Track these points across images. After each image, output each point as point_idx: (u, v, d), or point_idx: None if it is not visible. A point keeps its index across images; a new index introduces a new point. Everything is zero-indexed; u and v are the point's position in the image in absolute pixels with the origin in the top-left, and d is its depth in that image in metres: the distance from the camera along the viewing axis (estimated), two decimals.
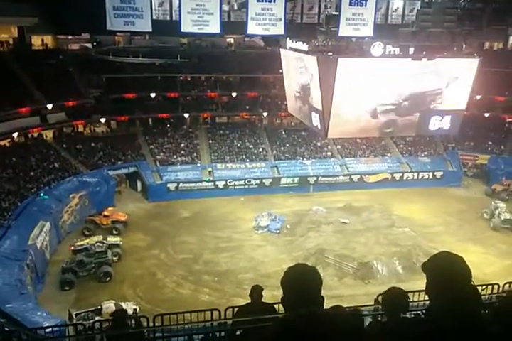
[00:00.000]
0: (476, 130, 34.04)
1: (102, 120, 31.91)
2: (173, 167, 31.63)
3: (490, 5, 31.91)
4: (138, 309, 16.25)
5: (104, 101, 31.66)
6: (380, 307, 3.93)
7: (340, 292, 18.93)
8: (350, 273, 20.82)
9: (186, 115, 34.74)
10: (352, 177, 32.47)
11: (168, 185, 30.05)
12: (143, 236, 24.28)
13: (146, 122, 35.10)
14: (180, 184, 30.30)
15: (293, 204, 28.85)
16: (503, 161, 33.02)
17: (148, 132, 34.24)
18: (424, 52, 18.20)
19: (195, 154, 33.19)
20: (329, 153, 34.54)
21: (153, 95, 33.09)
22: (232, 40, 37.50)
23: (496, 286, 8.65)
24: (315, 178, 32.07)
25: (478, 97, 31.05)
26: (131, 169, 30.89)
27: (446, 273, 2.10)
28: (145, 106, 33.40)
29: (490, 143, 34.91)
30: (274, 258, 22.15)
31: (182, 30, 33.69)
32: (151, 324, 8.57)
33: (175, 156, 32.60)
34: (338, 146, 34.80)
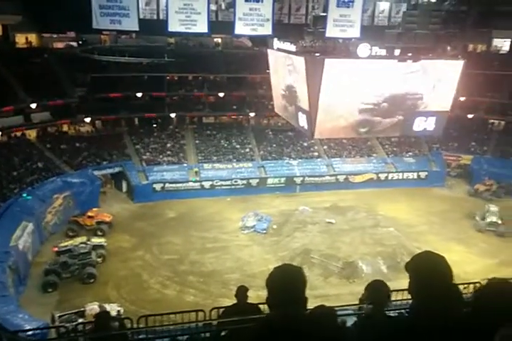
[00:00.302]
0: (460, 131, 34.52)
1: (87, 120, 31.53)
2: (159, 167, 31.42)
3: (474, 8, 32.50)
4: (122, 310, 16.10)
5: (90, 101, 31.30)
6: (363, 295, 3.99)
7: (326, 291, 19.02)
8: (335, 272, 20.95)
9: (173, 115, 34.54)
10: (338, 177, 32.67)
11: (154, 186, 29.84)
12: (128, 237, 24.07)
13: (132, 122, 34.82)
14: (167, 184, 30.11)
15: (279, 205, 28.91)
16: (485, 161, 33.55)
17: (134, 132, 33.97)
18: (410, 54, 18.39)
19: (181, 154, 33.02)
20: (316, 154, 34.70)
21: (139, 95, 32.82)
22: (219, 40, 37.41)
23: (477, 285, 8.74)
24: (301, 178, 32.18)
25: (462, 99, 31.51)
26: (117, 169, 30.58)
27: (428, 272, 2.14)
28: (131, 106, 33.11)
29: (473, 143, 35.44)
30: (260, 259, 22.16)
31: (169, 29, 33.56)
32: (135, 325, 8.53)
33: (161, 156, 32.39)
34: (325, 147, 34.98)
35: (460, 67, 17.66)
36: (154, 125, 34.83)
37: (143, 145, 33.00)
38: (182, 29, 32.55)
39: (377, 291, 3.99)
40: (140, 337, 8.06)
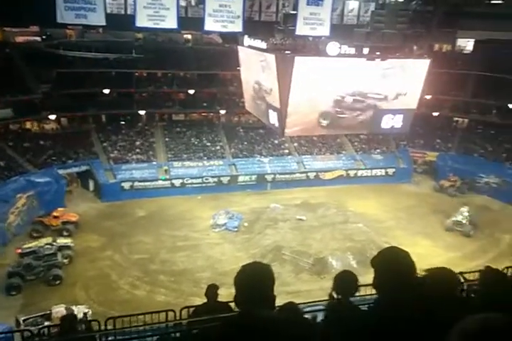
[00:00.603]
0: (426, 128, 35.43)
1: (52, 117, 30.58)
2: (128, 165, 30.82)
3: (440, 8, 33.36)
4: (90, 312, 15.70)
5: (55, 97, 30.34)
6: (332, 286, 4.06)
7: (297, 287, 19.18)
8: (306, 268, 21.14)
9: (142, 112, 33.95)
10: (308, 174, 32.96)
11: (123, 184, 29.25)
12: (96, 237, 23.51)
13: (99, 119, 34.02)
14: (136, 183, 29.58)
15: (250, 202, 28.92)
16: (450, 158, 34.57)
17: (102, 129, 33.20)
18: (378, 53, 18.69)
19: (151, 152, 32.51)
20: (286, 151, 34.88)
21: (107, 91, 32.05)
22: (189, 36, 36.99)
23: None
24: (272, 176, 32.29)
25: (428, 97, 32.34)
26: (83, 168, 29.82)
27: (392, 266, 2.19)
28: (98, 103, 32.33)
29: (438, 140, 36.46)
30: (231, 256, 22.10)
31: (137, 24, 32.91)
32: (103, 327, 8.31)
33: (130, 154, 31.79)
34: (295, 144, 35.20)
35: (426, 66, 18.08)
36: (122, 122, 34.12)
37: (111, 143, 32.28)
38: (150, 24, 32.02)
39: (344, 281, 4.06)
40: (109, 339, 7.88)
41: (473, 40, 37.61)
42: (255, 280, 2.14)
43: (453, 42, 38.67)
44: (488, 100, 34.31)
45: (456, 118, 37.69)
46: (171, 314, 8.10)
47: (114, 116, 33.62)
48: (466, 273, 5.26)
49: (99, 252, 22.11)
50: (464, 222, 25.30)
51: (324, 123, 18.16)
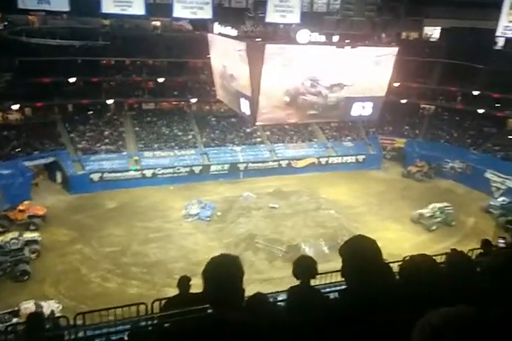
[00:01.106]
0: (394, 115, 36.07)
1: (15, 107, 29.40)
2: (97, 156, 30.10)
3: None
4: (60, 307, 15.42)
5: (18, 86, 29.11)
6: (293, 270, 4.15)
7: (271, 275, 19.39)
8: (279, 256, 21.35)
9: (110, 101, 33.08)
10: (281, 162, 33.12)
11: (92, 176, 28.60)
12: (65, 231, 22.99)
13: (65, 109, 32.97)
14: (105, 174, 28.97)
15: (223, 191, 28.87)
16: (417, 144, 35.42)
17: (69, 119, 32.20)
18: (348, 41, 18.76)
19: (120, 142, 31.84)
20: (259, 139, 34.84)
21: (73, 80, 31.00)
22: (158, 23, 36.14)
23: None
24: (245, 165, 32.27)
25: (397, 84, 32.81)
26: (50, 159, 28.91)
27: (358, 255, 2.23)
28: (64, 92, 31.24)
29: (406, 127, 37.23)
30: (204, 246, 22.08)
31: (103, 10, 31.97)
32: (72, 323, 8.16)
33: (98, 145, 31.03)
34: (267, 132, 35.19)
35: (394, 53, 18.26)
36: (90, 112, 33.18)
37: (78, 134, 31.41)
38: (117, 10, 31.22)
39: (302, 266, 4.18)
40: (79, 335, 7.76)
41: (440, 28, 38.28)
42: (223, 273, 2.13)
43: (420, 30, 39.25)
44: (454, 87, 35.14)
45: (423, 105, 38.47)
46: (142, 307, 8.05)
47: (81, 105, 32.63)
48: (434, 256, 5.40)
49: (68, 246, 21.66)
50: (427, 215, 25.17)
51: (303, 117, 18.27)
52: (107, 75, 32.93)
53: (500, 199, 28.01)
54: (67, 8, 29.97)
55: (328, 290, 8.56)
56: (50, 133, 30.51)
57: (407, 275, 2.47)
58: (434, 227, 24.91)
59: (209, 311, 2.36)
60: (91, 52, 31.31)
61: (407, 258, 2.58)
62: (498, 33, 32.91)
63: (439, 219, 25.22)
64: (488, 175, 30.63)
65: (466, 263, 3.17)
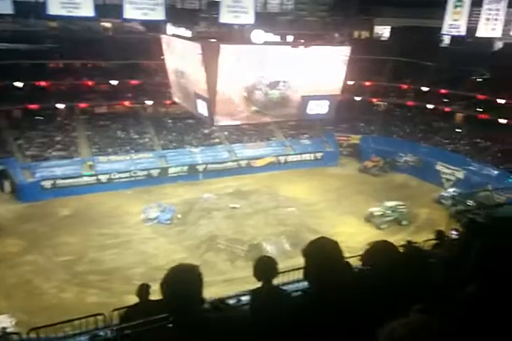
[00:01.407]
0: (349, 113, 36.85)
1: None
2: (48, 163, 28.85)
3: None
4: (14, 322, 14.63)
5: None
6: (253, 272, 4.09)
7: (233, 275, 19.30)
8: (241, 255, 21.29)
9: (60, 105, 31.86)
10: (240, 162, 33.08)
11: (43, 183, 27.38)
12: (15, 241, 21.82)
13: (11, 115, 31.40)
14: (58, 180, 27.81)
15: (183, 194, 28.46)
16: (372, 140, 36.43)
17: (16, 126, 30.71)
18: (302, 40, 18.98)
19: (73, 148, 30.71)
20: (217, 140, 34.65)
21: (19, 84, 29.61)
22: (109, 25, 35.16)
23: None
24: (204, 166, 31.99)
25: (351, 83, 33.59)
26: None
27: (320, 256, 2.27)
28: (10, 97, 29.72)
29: (361, 124, 38.19)
30: (165, 250, 21.66)
31: (49, 12, 30.62)
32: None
33: (49, 151, 29.78)
34: (226, 133, 35.06)
35: (347, 52, 18.64)
36: (39, 117, 31.78)
37: (27, 140, 29.99)
38: (63, 12, 30.04)
39: (262, 266, 4.13)
40: None
41: (389, 27, 39.56)
42: (180, 284, 2.09)
43: (371, 29, 40.39)
44: (404, 84, 36.40)
45: (377, 103, 39.59)
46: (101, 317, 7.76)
47: (29, 110, 31.18)
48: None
49: (19, 257, 20.58)
50: (377, 214, 24.94)
51: (260, 116, 18.29)
52: (56, 79, 31.67)
53: (451, 190, 29.26)
54: (10, 11, 28.55)
55: (291, 286, 8.61)
56: None
57: (369, 258, 2.68)
58: (383, 226, 24.65)
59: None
60: (38, 56, 30.12)
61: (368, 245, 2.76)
62: (443, 31, 34.39)
63: (390, 218, 25.03)
64: (439, 167, 31.95)
65: (419, 255, 3.22)
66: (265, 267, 4.12)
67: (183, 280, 2.10)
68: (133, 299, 7.08)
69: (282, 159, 34.38)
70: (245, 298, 10.15)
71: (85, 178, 28.70)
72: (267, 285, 4.12)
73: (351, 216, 25.79)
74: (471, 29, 32.71)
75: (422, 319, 1.17)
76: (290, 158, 34.68)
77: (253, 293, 4.17)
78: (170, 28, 19.98)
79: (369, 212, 25.46)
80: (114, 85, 33.04)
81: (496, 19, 31.72)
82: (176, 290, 2.08)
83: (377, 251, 2.65)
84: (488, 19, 31.83)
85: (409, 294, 2.33)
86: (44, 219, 24.35)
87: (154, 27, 31.14)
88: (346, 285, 2.28)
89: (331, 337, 2.07)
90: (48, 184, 27.51)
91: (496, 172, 29.61)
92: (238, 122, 26.07)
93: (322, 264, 2.23)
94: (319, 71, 18.44)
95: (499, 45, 35.04)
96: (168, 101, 32.23)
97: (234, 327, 2.56)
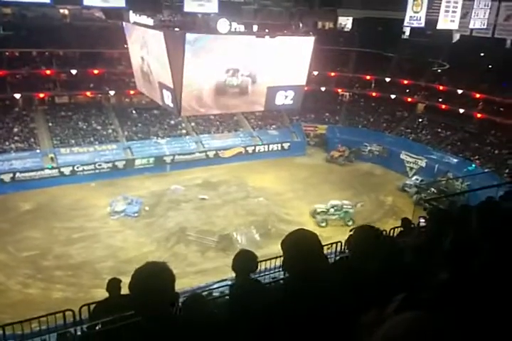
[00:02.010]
0: (315, 103, 37.24)
1: None
2: (7, 155, 27.70)
3: None
4: None
5: None
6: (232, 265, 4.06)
7: (204, 266, 19.32)
8: (212, 246, 21.32)
9: (17, 96, 30.53)
10: (208, 153, 32.87)
11: (2, 177, 26.26)
12: None
13: None
14: (17, 174, 26.77)
15: (150, 186, 28.05)
16: (338, 130, 37.04)
17: None
18: (267, 30, 18.88)
19: (32, 139, 29.57)
20: (184, 131, 34.23)
21: None
22: (66, 12, 33.76)
23: (339, 244, 9.66)
24: (171, 157, 31.58)
25: (316, 73, 33.85)
26: None
27: (299, 248, 2.26)
28: None
29: (327, 114, 38.66)
30: (134, 243, 21.40)
31: None
32: None
33: (7, 143, 28.56)
34: (193, 123, 34.69)
35: (311, 43, 18.71)
36: None
37: None
38: None
39: (242, 261, 4.12)
40: None
41: (352, 18, 39.94)
42: (152, 286, 2.00)
43: (335, 20, 40.66)
44: (368, 75, 37.02)
45: (342, 93, 40.12)
46: (69, 313, 7.59)
47: None
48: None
49: None
50: (319, 211, 24.48)
51: (227, 107, 18.14)
52: (11, 68, 30.27)
53: (414, 178, 30.28)
54: None
55: (264, 276, 8.71)
56: None
57: (350, 243, 2.84)
58: (323, 224, 23.98)
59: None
60: None
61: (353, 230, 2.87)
62: (405, 23, 35.05)
63: (333, 217, 24.34)
64: (403, 156, 32.91)
65: (391, 242, 3.34)
66: (245, 262, 4.10)
67: (154, 281, 2.00)
68: (102, 293, 6.95)
69: (250, 149, 34.41)
70: (218, 288, 10.21)
71: (47, 171, 27.74)
72: (244, 278, 4.13)
73: (319, 205, 26.18)
74: (431, 21, 33.53)
75: (420, 316, 1.18)
76: (258, 149, 34.74)
77: (232, 287, 4.16)
78: (132, 16, 19.41)
79: (313, 208, 24.86)
80: (74, 74, 31.94)
81: (454, 11, 32.62)
82: (146, 290, 1.99)
83: (357, 237, 2.78)
84: (447, 11, 32.68)
85: (385, 281, 2.40)
86: (4, 214, 23.39)
87: (115, 14, 30.20)
88: (325, 276, 2.32)
89: (313, 327, 2.09)
90: (7, 177, 26.42)
91: (455, 160, 30.81)
92: (205, 112, 25.96)
93: (303, 256, 2.23)
94: (284, 61, 18.46)
95: (457, 36, 36.11)
96: (132, 92, 31.52)
97: (212, 321, 2.56)
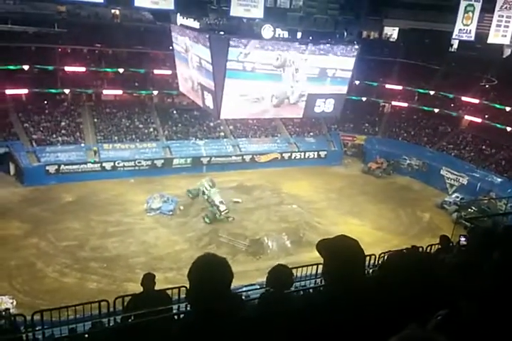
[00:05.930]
0: (355, 113, 36.86)
1: None
2: (53, 147, 28.95)
3: None
4: (15, 303, 14.83)
5: None
6: (266, 283, 4.07)
7: (234, 269, 19.30)
8: (242, 250, 21.42)
9: (67, 91, 31.86)
10: (244, 157, 33.12)
11: (48, 168, 27.48)
12: (19, 224, 21.97)
13: (18, 97, 31.41)
14: (62, 166, 27.92)
15: (186, 185, 28.40)
16: (377, 141, 36.45)
17: (22, 109, 30.75)
18: (311, 38, 18.95)
19: (78, 134, 30.76)
20: (222, 134, 34.66)
21: (26, 67, 29.58)
22: (117, 12, 34.99)
23: (372, 257, 9.56)
24: (208, 159, 32.04)
25: (357, 82, 33.55)
26: (2, 150, 27.58)
27: (342, 255, 2.19)
28: (16, 80, 29.66)
29: (366, 124, 38.17)
30: (166, 241, 21.81)
31: None
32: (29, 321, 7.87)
33: (54, 136, 29.86)
34: (231, 127, 35.08)
35: (355, 52, 18.65)
36: (45, 101, 31.81)
37: (33, 124, 30.08)
38: None
39: (278, 276, 4.05)
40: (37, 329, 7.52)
41: (398, 28, 39.37)
42: (211, 276, 2.01)
43: (380, 30, 40.20)
44: (411, 87, 36.30)
45: (383, 104, 39.54)
46: (104, 303, 7.87)
47: (36, 94, 31.20)
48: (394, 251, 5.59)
49: (22, 240, 20.74)
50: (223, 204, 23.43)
51: (268, 112, 18.38)
52: (62, 64, 31.60)
53: (454, 195, 29.30)
54: None
55: (295, 284, 8.73)
56: (1, 122, 29.03)
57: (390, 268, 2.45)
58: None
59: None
60: (45, 39, 30.04)
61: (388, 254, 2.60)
62: (453, 36, 34.23)
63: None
64: (443, 172, 31.96)
65: (427, 262, 3.24)
66: (280, 278, 4.00)
67: (213, 273, 2.01)
68: (133, 287, 7.12)
69: (286, 156, 34.39)
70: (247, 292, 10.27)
71: (89, 165, 28.79)
72: (278, 294, 3.97)
73: (352, 216, 25.87)
74: (481, 35, 32.57)
75: (417, 332, 1.15)
76: (294, 155, 34.68)
77: (263, 299, 4.04)
78: (179, 19, 19.92)
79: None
80: (120, 73, 32.99)
81: (506, 26, 31.60)
82: (205, 281, 1.99)
83: (392, 265, 2.44)
84: (499, 26, 31.69)
85: (423, 300, 2.34)
86: (47, 203, 24.49)
87: (163, 16, 31.01)
88: (364, 287, 2.24)
89: (344, 337, 2.04)
90: (52, 169, 27.61)
91: (499, 179, 29.65)
92: (244, 116, 26.26)
93: (347, 263, 2.17)
94: (327, 69, 18.48)
95: (508, 52, 34.91)
96: (174, 92, 32.23)
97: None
